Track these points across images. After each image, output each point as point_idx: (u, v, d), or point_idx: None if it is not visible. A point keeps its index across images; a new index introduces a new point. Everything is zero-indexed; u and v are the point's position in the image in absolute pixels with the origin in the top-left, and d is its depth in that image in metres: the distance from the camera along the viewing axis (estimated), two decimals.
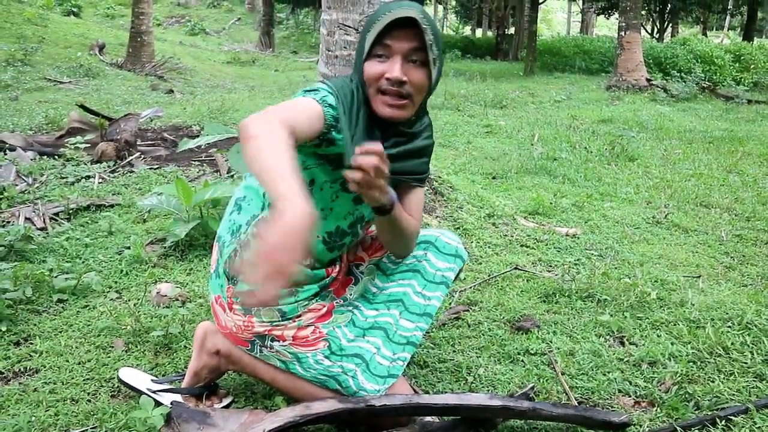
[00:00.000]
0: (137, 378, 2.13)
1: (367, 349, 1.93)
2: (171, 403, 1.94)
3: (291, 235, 1.25)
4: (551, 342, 2.55)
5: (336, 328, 1.93)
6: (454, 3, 38.31)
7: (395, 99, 1.78)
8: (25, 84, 10.10)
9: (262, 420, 1.79)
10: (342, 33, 3.37)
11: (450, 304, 2.90)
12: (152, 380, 2.13)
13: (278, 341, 1.89)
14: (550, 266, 3.42)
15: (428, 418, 1.93)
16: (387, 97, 1.78)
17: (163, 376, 2.24)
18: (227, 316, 1.92)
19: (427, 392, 2.18)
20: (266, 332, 1.88)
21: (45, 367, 2.33)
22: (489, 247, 3.65)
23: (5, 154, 5.09)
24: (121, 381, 2.13)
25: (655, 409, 2.13)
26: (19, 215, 3.79)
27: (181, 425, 1.78)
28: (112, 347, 2.47)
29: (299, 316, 1.89)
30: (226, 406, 2.06)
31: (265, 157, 1.38)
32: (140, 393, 2.08)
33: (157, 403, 2.00)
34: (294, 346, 1.89)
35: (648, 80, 12.82)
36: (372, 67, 1.77)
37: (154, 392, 2.06)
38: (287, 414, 1.79)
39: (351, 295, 2.04)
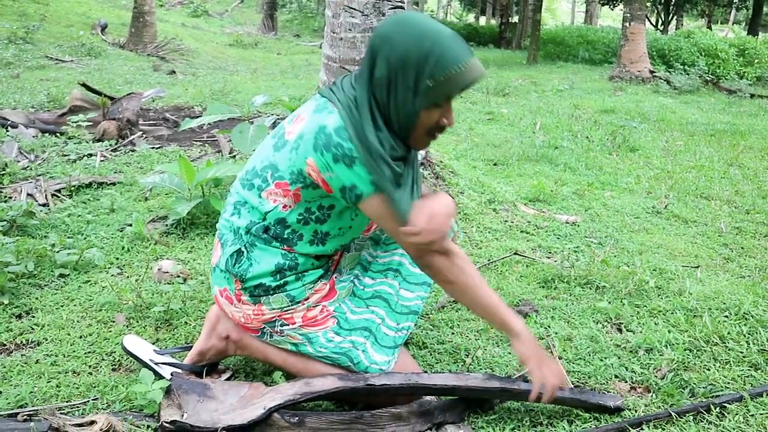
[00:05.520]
0: (140, 347, 2.15)
1: (372, 319, 1.97)
2: (171, 374, 1.96)
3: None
4: (549, 327, 2.57)
5: (341, 303, 1.96)
6: None
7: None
8: (26, 62, 10.07)
9: (262, 395, 1.81)
10: (347, 15, 3.36)
11: None
12: (155, 350, 2.15)
13: (288, 325, 1.92)
14: (550, 253, 3.43)
15: (427, 398, 1.95)
16: (431, 137, 1.81)
17: (166, 348, 2.26)
18: (235, 307, 1.93)
19: (425, 372, 2.20)
20: (276, 317, 1.91)
21: (47, 340, 2.35)
22: (489, 232, 3.66)
23: (7, 131, 5.09)
24: (124, 348, 2.15)
25: (650, 394, 2.15)
26: (21, 191, 3.80)
27: (182, 396, 1.79)
28: (114, 322, 2.49)
29: (307, 298, 1.91)
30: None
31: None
32: (142, 363, 2.10)
33: (157, 375, 2.02)
34: (304, 328, 1.92)
35: (651, 72, 12.77)
36: (432, 117, 1.75)
37: (156, 363, 2.08)
38: (287, 391, 1.81)
39: (344, 265, 2.06)
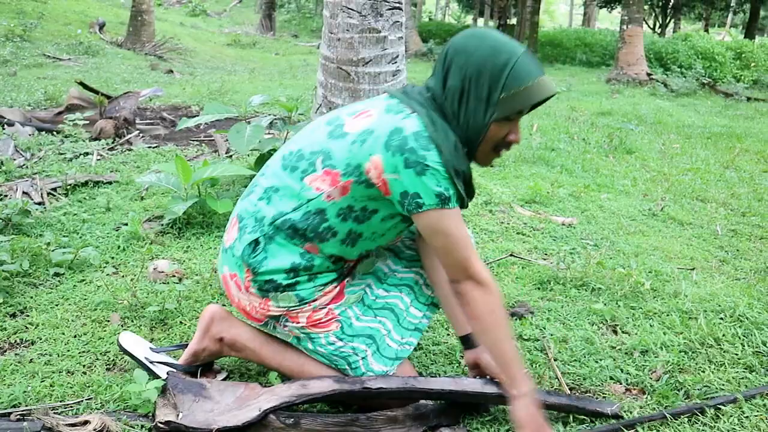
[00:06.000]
0: (136, 345, 2.14)
1: (378, 329, 1.95)
2: (167, 374, 1.95)
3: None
4: (545, 328, 2.57)
5: (347, 308, 1.93)
6: None
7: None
8: (23, 60, 10.05)
9: (258, 396, 1.81)
10: (345, 16, 3.36)
11: None
12: (150, 348, 2.15)
13: (292, 322, 1.91)
14: (546, 254, 3.43)
15: (422, 400, 1.95)
16: (497, 153, 1.83)
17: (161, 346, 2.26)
18: (242, 294, 1.91)
19: (420, 374, 2.20)
20: (282, 314, 1.90)
21: (41, 339, 2.34)
22: (485, 233, 3.66)
23: (3, 129, 5.08)
24: (120, 346, 2.14)
25: (645, 396, 2.15)
26: (16, 189, 3.79)
27: (177, 396, 1.79)
28: (108, 321, 2.48)
29: (315, 300, 1.89)
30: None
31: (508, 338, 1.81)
32: (137, 361, 2.09)
33: (152, 374, 2.01)
34: (308, 328, 1.91)
35: (648, 74, 12.81)
36: (500, 131, 1.77)
37: (151, 362, 2.08)
38: (283, 393, 1.81)
39: (358, 270, 2.04)
